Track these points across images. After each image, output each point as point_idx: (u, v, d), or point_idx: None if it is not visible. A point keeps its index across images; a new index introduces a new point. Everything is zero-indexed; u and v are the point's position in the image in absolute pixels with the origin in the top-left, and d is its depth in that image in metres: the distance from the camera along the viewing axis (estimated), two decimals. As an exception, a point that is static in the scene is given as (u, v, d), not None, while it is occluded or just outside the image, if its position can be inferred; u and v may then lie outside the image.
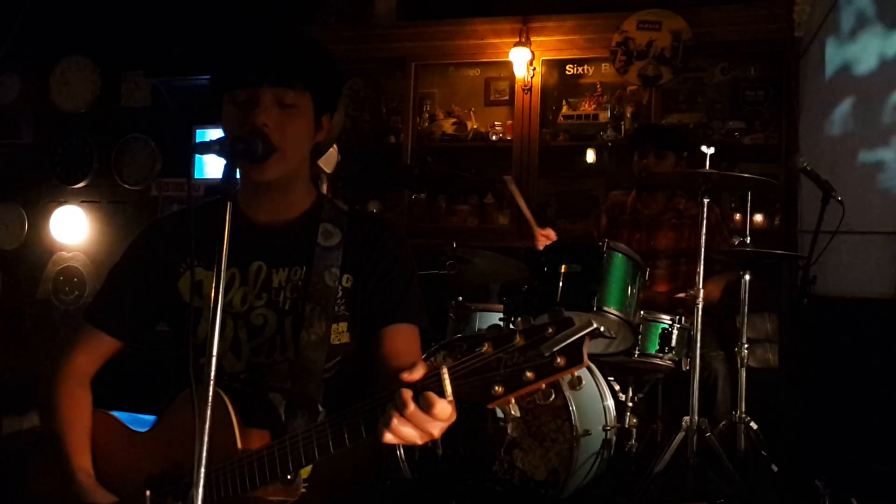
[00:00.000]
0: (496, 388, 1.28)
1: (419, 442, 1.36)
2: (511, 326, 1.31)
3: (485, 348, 1.30)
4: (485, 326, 3.90)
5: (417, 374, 1.34)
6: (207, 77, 1.85)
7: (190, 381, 1.42)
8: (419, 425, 1.33)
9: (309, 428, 1.49)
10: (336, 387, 1.76)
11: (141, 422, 1.84)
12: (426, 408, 1.31)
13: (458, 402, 1.32)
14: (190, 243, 1.73)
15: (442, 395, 1.31)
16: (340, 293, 1.77)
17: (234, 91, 1.69)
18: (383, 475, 1.85)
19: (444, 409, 1.31)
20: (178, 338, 1.84)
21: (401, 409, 1.32)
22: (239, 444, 1.56)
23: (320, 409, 1.71)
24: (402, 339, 1.76)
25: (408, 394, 1.32)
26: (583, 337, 1.25)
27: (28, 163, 6.23)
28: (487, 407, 1.29)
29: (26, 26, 5.92)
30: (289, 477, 1.53)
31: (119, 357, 1.91)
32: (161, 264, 1.83)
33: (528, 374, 1.26)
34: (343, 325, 1.77)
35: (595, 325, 1.27)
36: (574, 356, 1.25)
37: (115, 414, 1.86)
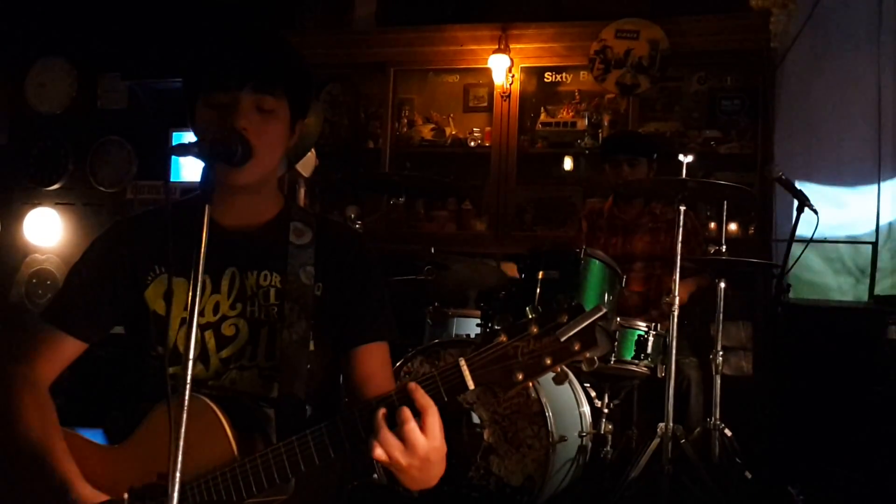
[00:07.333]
0: (517, 374, 1.39)
1: (402, 459, 1.46)
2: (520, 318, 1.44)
3: (500, 338, 1.39)
4: (462, 332, 3.90)
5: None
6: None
7: (166, 392, 1.40)
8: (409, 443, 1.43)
9: (304, 433, 1.48)
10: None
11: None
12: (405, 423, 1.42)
13: (480, 387, 1.42)
14: (160, 250, 1.71)
15: (464, 385, 1.40)
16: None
17: (212, 94, 1.66)
18: (357, 479, 1.83)
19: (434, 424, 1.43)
20: (138, 346, 1.76)
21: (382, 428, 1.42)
22: (235, 452, 1.53)
23: (307, 409, 1.71)
24: (375, 359, 1.76)
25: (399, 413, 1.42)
26: (594, 321, 1.38)
27: (2, 164, 6.15)
28: (507, 392, 1.39)
29: (2, 26, 5.86)
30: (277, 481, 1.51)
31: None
32: (127, 269, 1.76)
33: (547, 360, 1.38)
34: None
35: (604, 310, 1.41)
36: (588, 340, 1.38)
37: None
